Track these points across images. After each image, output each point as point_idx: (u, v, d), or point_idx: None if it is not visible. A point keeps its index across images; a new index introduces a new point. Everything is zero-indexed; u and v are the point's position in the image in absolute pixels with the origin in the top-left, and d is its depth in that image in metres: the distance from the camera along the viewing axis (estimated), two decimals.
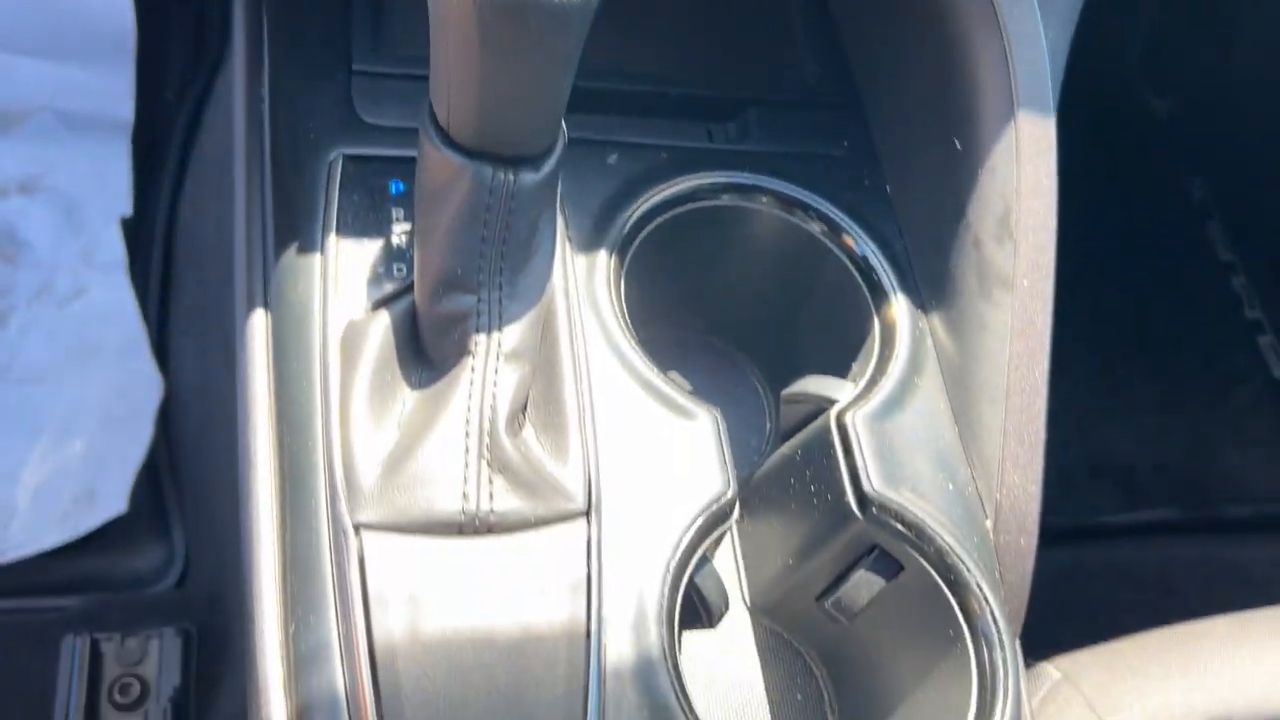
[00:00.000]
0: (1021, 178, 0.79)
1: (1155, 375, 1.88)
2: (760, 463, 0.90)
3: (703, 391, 0.81)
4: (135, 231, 1.56)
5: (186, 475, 1.40)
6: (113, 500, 1.36)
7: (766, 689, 0.85)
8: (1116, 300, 1.94)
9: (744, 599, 0.88)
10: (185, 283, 1.52)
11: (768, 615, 0.87)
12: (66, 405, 1.43)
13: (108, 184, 1.58)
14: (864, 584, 0.77)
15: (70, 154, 1.60)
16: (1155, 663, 1.02)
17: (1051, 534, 1.77)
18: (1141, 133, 2.11)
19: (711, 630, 0.86)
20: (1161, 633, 1.06)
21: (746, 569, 0.88)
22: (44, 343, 1.48)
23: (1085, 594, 1.20)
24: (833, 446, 0.78)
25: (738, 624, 0.87)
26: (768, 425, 0.98)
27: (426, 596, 0.63)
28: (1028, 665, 1.05)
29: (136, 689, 1.21)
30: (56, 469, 1.39)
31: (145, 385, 1.43)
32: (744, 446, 0.95)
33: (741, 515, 0.90)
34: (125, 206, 1.57)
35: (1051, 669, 1.02)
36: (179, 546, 1.37)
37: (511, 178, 0.64)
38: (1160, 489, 1.79)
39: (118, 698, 1.20)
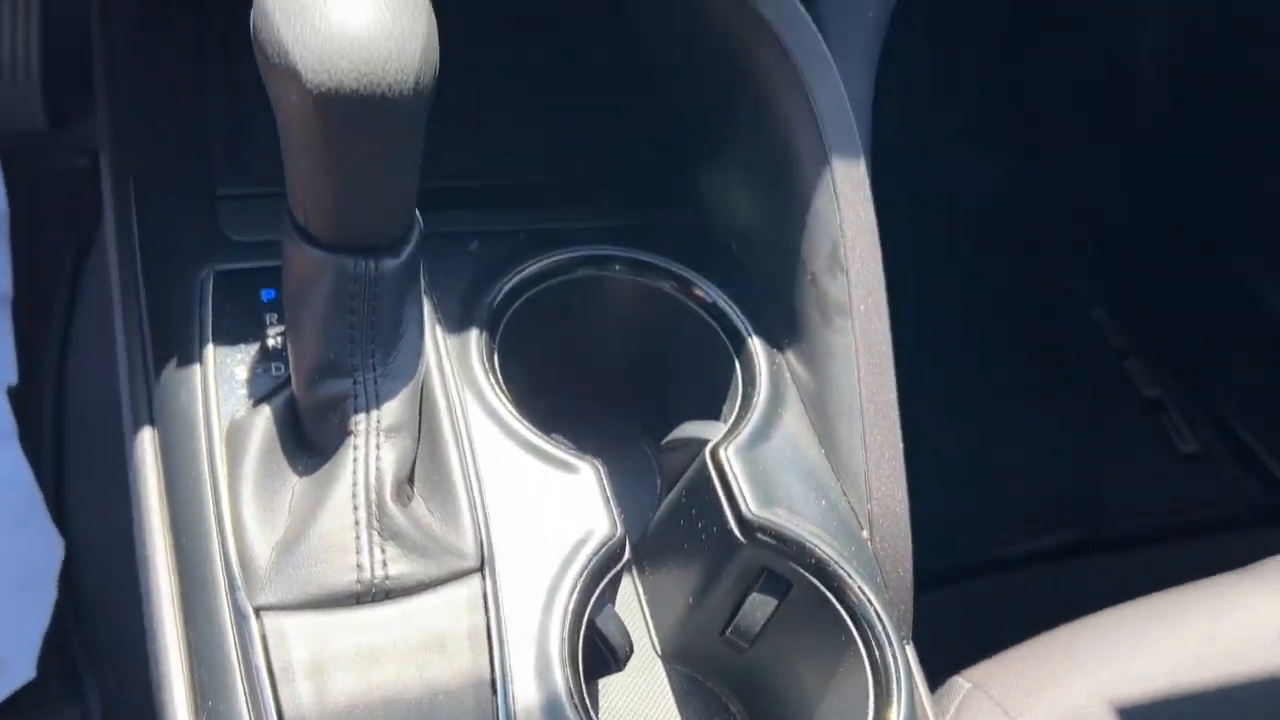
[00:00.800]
0: (844, 218, 0.87)
1: (1042, 412, 1.99)
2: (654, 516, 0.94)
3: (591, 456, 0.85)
4: (23, 399, 1.55)
5: (97, 629, 1.37)
6: (21, 668, 1.33)
7: None
8: (1003, 353, 2.06)
9: (654, 647, 0.91)
10: (78, 443, 1.51)
11: (678, 660, 0.90)
12: None
13: None
14: (758, 606, 0.81)
15: None
16: (1053, 660, 1.07)
17: (962, 570, 1.83)
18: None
19: (626, 680, 0.88)
20: (1056, 632, 1.12)
21: (653, 617, 0.92)
22: None
23: (1001, 621, 1.25)
24: (711, 481, 0.83)
25: (651, 672, 0.90)
26: (658, 482, 1.02)
27: (331, 665, 0.65)
28: (940, 683, 1.09)
29: None
30: None
31: (45, 548, 1.41)
32: (637, 504, 1.00)
33: (643, 566, 0.94)
34: (11, 376, 1.57)
35: (961, 680, 1.07)
36: (94, 705, 1.34)
37: (373, 266, 0.69)
38: (1056, 514, 1.87)
39: None
